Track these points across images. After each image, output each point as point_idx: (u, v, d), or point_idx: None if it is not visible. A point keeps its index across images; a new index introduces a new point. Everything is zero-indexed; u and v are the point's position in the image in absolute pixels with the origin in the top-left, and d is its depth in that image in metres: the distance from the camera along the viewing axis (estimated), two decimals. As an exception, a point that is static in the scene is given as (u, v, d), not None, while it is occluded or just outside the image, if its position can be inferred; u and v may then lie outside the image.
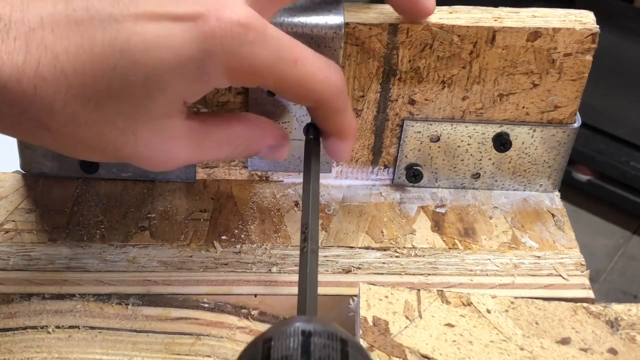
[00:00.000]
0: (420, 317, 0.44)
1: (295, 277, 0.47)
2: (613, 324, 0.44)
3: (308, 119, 0.49)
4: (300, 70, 0.40)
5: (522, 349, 0.43)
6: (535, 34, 0.47)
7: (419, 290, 0.45)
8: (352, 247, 0.49)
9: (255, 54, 0.38)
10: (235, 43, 0.38)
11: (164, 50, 0.37)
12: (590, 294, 0.47)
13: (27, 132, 0.38)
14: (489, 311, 0.45)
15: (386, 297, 0.45)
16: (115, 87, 0.37)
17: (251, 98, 0.49)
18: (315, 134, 0.46)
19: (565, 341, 0.44)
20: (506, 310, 0.45)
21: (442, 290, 0.46)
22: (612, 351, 0.43)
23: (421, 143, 0.52)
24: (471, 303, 0.45)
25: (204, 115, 0.43)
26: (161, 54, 0.37)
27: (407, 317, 0.44)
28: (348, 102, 0.44)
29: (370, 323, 0.43)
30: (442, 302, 0.45)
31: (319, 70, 0.41)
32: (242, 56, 0.38)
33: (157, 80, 0.38)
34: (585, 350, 0.43)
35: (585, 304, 0.45)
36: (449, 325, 0.44)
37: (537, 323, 0.44)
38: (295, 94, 0.41)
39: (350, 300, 0.46)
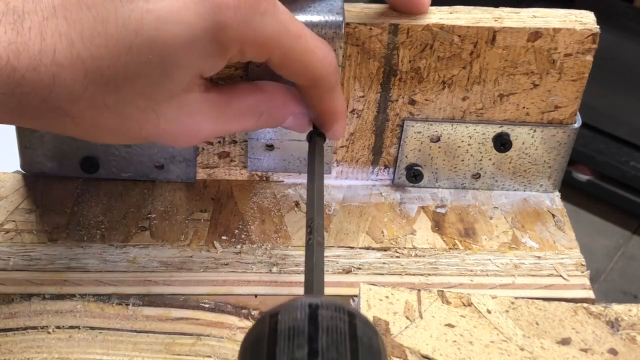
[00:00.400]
0: (421, 317, 0.44)
1: (296, 278, 0.47)
2: (613, 325, 0.44)
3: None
4: (303, 44, 0.41)
5: (522, 350, 0.43)
6: (535, 34, 0.47)
7: (419, 290, 0.45)
8: (352, 248, 0.49)
9: (267, 25, 0.39)
10: (249, 13, 0.38)
11: (178, 25, 0.37)
12: (590, 294, 0.47)
13: (50, 122, 0.38)
14: (489, 311, 0.45)
15: (386, 297, 0.45)
16: (132, 68, 0.37)
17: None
18: (317, 137, 0.46)
19: (565, 341, 0.44)
20: (506, 311, 0.45)
21: (442, 291, 0.46)
22: (613, 351, 0.43)
23: (421, 143, 0.52)
24: (471, 303, 0.45)
25: (223, 87, 0.43)
26: (175, 30, 0.37)
27: (407, 318, 0.44)
28: (339, 81, 0.45)
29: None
30: (443, 302, 0.45)
31: (318, 46, 0.42)
32: (255, 27, 0.39)
33: (173, 57, 0.38)
34: (585, 350, 0.43)
35: (585, 305, 0.45)
36: (450, 325, 0.44)
37: (537, 323, 0.44)
38: (297, 69, 0.42)
39: (351, 300, 0.46)
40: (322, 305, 0.33)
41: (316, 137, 0.46)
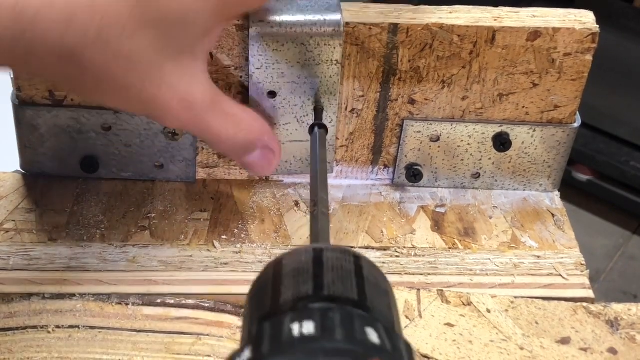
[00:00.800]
0: (420, 316, 0.44)
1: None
2: (613, 324, 0.44)
3: (309, 120, 0.49)
4: None
5: (522, 349, 0.43)
6: (535, 33, 0.47)
7: (419, 290, 0.45)
8: (352, 247, 0.49)
9: None
10: None
11: None
12: (590, 293, 0.47)
13: (55, 70, 0.38)
14: (489, 311, 0.45)
15: (386, 296, 0.45)
16: (148, 15, 0.38)
17: (251, 100, 0.49)
18: (320, 130, 0.47)
19: (565, 341, 0.44)
20: (506, 310, 0.45)
21: (442, 290, 0.46)
22: (612, 351, 0.43)
23: (421, 143, 0.52)
24: (471, 303, 0.45)
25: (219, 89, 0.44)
26: None
27: (407, 317, 0.44)
28: None
29: (370, 323, 0.43)
30: (442, 301, 0.45)
31: None
32: None
33: (191, 7, 0.39)
34: (585, 349, 0.43)
35: (585, 304, 0.45)
36: (449, 324, 0.44)
37: (537, 323, 0.44)
38: None
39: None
40: (327, 249, 0.33)
41: (318, 129, 0.47)
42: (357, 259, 0.33)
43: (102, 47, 0.37)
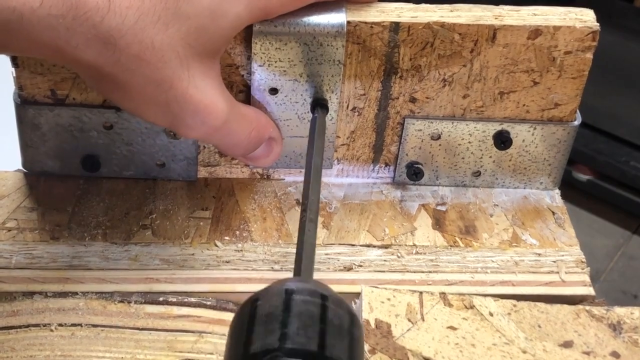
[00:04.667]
0: (423, 319, 0.44)
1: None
2: (615, 327, 0.44)
3: (310, 117, 0.49)
4: None
5: (524, 352, 0.43)
6: (535, 32, 0.47)
7: (421, 292, 0.45)
8: (353, 245, 0.49)
9: None
10: None
11: None
12: (590, 291, 0.47)
13: (92, 54, 0.39)
14: (491, 314, 0.45)
15: (388, 299, 0.45)
16: (183, 7, 0.39)
17: (253, 97, 0.49)
18: (320, 112, 0.47)
19: (567, 344, 0.44)
20: (509, 313, 0.45)
21: (444, 293, 0.45)
22: (615, 354, 0.43)
23: (422, 141, 0.52)
24: (474, 306, 0.45)
25: None
26: None
27: (409, 320, 0.44)
28: None
29: (373, 326, 0.43)
30: (445, 304, 0.45)
31: None
32: None
33: (226, 5, 0.40)
34: (587, 353, 0.43)
35: (587, 307, 0.45)
36: (452, 328, 0.44)
37: (539, 326, 0.44)
38: None
39: (353, 302, 0.46)
40: (297, 290, 0.34)
41: (319, 109, 0.48)
42: (324, 299, 0.34)
43: (139, 35, 0.38)
